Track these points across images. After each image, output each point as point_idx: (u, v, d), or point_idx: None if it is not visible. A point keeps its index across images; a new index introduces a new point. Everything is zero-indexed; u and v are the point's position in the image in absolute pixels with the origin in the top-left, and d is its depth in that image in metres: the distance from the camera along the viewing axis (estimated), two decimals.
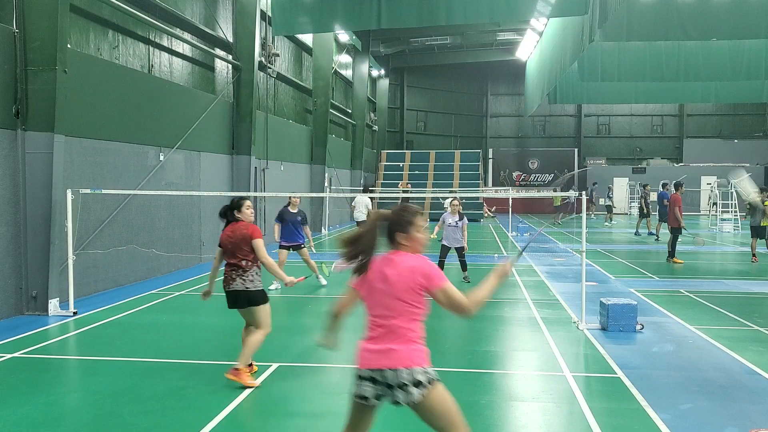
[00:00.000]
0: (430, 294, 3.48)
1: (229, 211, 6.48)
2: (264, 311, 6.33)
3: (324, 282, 12.34)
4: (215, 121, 16.29)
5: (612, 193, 32.43)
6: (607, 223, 30.93)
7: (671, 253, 16.00)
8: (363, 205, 20.01)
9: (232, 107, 17.49)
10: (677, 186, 16.49)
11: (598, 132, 47.08)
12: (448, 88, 46.81)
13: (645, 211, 24.33)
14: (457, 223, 12.45)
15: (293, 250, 12.03)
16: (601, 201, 39.88)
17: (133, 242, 12.39)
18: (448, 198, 22.56)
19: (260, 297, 6.29)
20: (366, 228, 3.61)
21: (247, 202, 6.55)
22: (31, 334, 8.47)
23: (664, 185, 22.67)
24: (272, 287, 11.68)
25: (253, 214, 6.56)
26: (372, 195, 21.77)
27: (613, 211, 31.91)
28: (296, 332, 8.60)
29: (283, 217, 11.85)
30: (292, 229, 11.80)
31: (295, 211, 11.88)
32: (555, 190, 36.34)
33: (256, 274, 6.31)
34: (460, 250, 12.59)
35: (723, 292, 11.69)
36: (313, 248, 12.55)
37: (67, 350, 8.04)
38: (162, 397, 5.92)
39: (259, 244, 6.27)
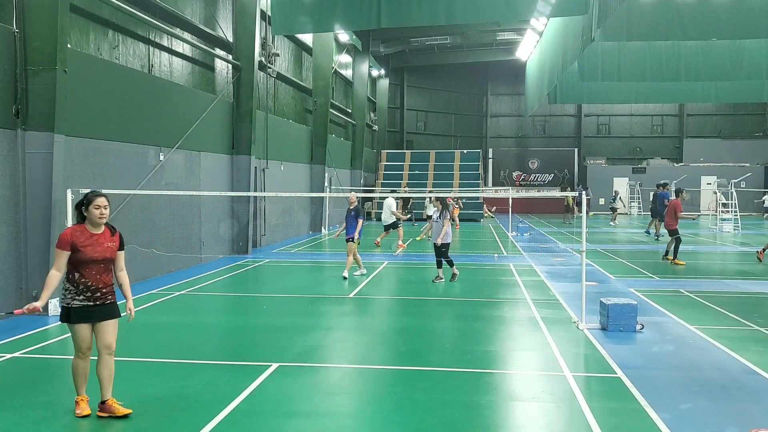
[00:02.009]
0: None
1: (80, 207, 5.40)
2: (71, 332, 5.37)
3: (346, 275, 13.13)
4: (215, 121, 16.29)
5: (621, 196, 32.20)
6: (614, 223, 30.75)
7: (668, 252, 16.05)
8: (387, 207, 19.24)
9: (232, 107, 17.49)
10: (678, 192, 16.52)
11: (598, 132, 47.08)
12: (448, 88, 46.80)
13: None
14: (437, 219, 12.43)
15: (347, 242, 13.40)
16: (601, 201, 39.93)
17: (133, 242, 12.38)
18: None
19: (63, 315, 5.34)
20: None
21: (99, 200, 5.33)
22: (31, 334, 8.47)
23: (664, 185, 22.70)
24: (356, 273, 13.47)
25: (103, 216, 5.34)
26: (397, 196, 21.40)
27: (617, 212, 31.74)
28: (296, 332, 8.59)
29: (346, 215, 13.63)
30: (349, 223, 13.35)
31: (351, 207, 13.44)
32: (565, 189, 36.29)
33: (65, 289, 5.34)
34: (438, 248, 12.53)
35: (723, 292, 11.69)
36: (356, 238, 13.51)
37: (67, 350, 8.01)
38: (162, 397, 5.92)
39: (55, 254, 5.27)
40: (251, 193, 16.59)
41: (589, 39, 14.14)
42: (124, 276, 5.63)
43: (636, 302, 8.75)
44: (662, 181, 24.93)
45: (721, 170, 40.53)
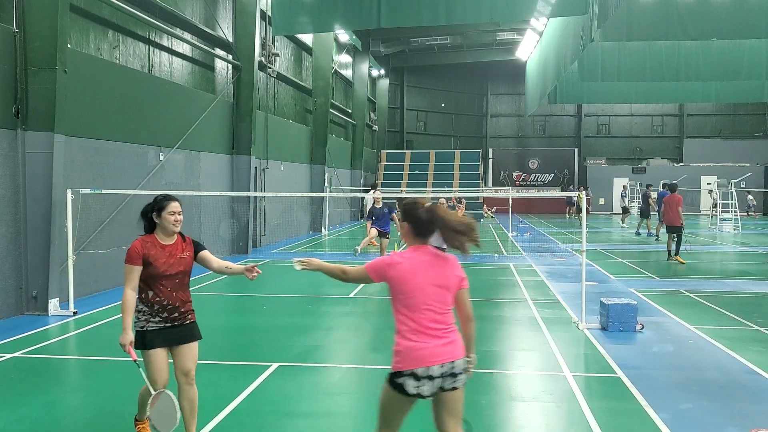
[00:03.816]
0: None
1: (150, 214, 4.73)
2: (145, 360, 4.59)
3: None
4: (215, 121, 16.29)
5: (626, 194, 32.08)
6: (624, 225, 30.55)
7: (670, 253, 16.06)
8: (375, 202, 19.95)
9: (232, 107, 17.49)
10: (672, 189, 16.55)
11: (598, 132, 47.09)
12: (448, 88, 46.81)
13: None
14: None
15: (380, 237, 14.79)
16: (601, 201, 39.94)
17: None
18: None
19: (137, 341, 4.55)
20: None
21: (173, 205, 4.64)
22: (31, 334, 8.47)
23: (664, 185, 22.72)
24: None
25: (178, 223, 4.67)
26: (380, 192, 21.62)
27: (628, 213, 31.53)
28: (296, 332, 8.59)
29: (373, 213, 14.86)
30: (384, 220, 14.67)
31: (380, 206, 14.76)
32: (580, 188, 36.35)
33: (138, 310, 4.55)
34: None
35: (723, 292, 11.69)
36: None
37: (67, 350, 8.04)
38: None
39: (126, 270, 4.49)
40: (251, 193, 16.59)
41: (589, 39, 14.14)
42: (222, 262, 4.90)
43: (636, 302, 8.74)
44: (665, 181, 24.92)
45: (721, 170, 40.52)
